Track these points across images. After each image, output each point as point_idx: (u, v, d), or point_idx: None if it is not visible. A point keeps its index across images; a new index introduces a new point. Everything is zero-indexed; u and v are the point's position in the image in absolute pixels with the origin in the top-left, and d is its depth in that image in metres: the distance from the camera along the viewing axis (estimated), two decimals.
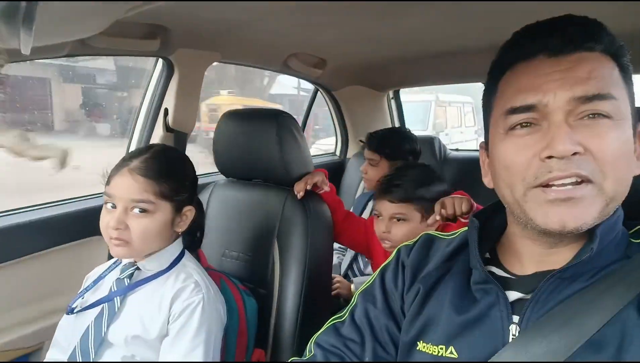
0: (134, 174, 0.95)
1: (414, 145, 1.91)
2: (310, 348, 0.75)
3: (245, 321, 1.13)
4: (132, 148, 1.65)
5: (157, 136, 1.63)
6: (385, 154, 1.83)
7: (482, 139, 0.70)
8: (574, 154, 0.52)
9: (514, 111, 0.57)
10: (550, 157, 0.53)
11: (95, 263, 1.15)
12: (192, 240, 1.12)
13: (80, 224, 1.39)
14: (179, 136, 1.63)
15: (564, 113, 0.53)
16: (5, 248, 1.23)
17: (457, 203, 1.21)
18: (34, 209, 1.37)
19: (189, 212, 1.03)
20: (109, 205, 0.96)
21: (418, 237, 0.77)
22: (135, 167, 0.96)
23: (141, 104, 1.65)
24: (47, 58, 1.23)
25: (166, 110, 1.60)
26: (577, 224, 0.53)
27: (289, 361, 0.75)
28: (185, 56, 1.53)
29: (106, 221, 0.95)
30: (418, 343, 0.65)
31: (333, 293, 1.55)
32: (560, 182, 0.53)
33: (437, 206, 1.24)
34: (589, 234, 0.56)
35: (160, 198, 0.96)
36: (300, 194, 1.26)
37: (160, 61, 1.57)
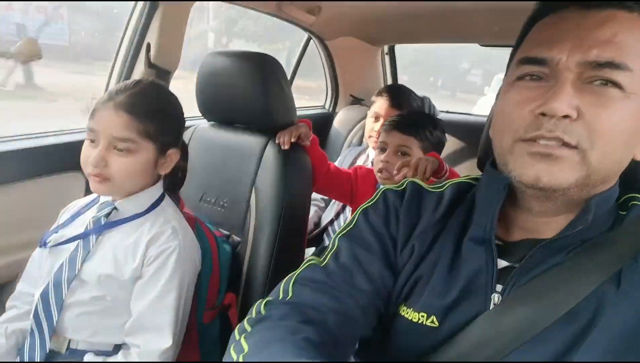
0: (119, 110, 0.90)
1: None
2: (287, 289, 0.63)
3: (218, 265, 1.13)
4: (112, 83, 1.58)
5: (139, 72, 1.56)
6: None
7: None
8: (566, 117, 0.50)
9: (527, 61, 0.55)
10: (543, 114, 0.51)
11: (72, 198, 1.12)
12: (173, 183, 1.10)
13: (59, 158, 1.35)
14: (161, 73, 1.56)
15: (573, 74, 0.51)
16: None
17: (421, 165, 1.22)
18: (14, 140, 1.31)
19: (174, 154, 1.00)
20: (90, 140, 0.92)
21: (404, 184, 0.71)
22: (121, 102, 0.91)
23: (122, 37, 1.57)
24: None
25: (148, 45, 1.53)
26: (550, 182, 0.52)
27: (265, 300, 0.63)
28: None
29: (86, 156, 0.92)
30: (401, 307, 0.63)
31: None
32: (544, 142, 0.52)
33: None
34: (583, 205, 0.55)
35: (145, 138, 0.93)
36: (285, 146, 1.24)
37: None
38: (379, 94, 1.84)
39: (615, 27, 0.50)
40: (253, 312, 0.61)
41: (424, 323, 0.60)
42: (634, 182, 0.61)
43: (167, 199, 1.04)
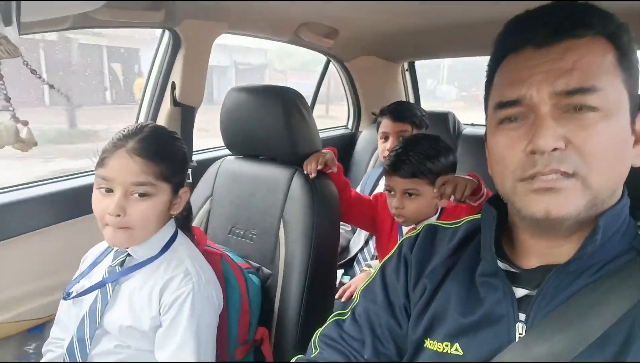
0: (133, 156, 0.90)
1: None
2: (315, 345, 0.76)
3: (247, 299, 1.13)
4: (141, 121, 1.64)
5: (165, 110, 1.62)
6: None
7: None
8: (555, 149, 0.51)
9: (502, 106, 0.57)
10: (533, 152, 0.53)
11: (99, 239, 1.15)
12: (185, 219, 1.09)
13: (79, 201, 1.39)
14: (187, 110, 1.61)
15: (548, 106, 0.53)
16: (9, 224, 1.24)
17: (461, 184, 1.17)
18: (37, 185, 1.37)
19: (184, 194, 1.00)
20: (104, 189, 0.91)
21: (420, 228, 0.76)
22: (133, 148, 0.91)
23: (148, 77, 1.63)
24: (49, 32, 1.21)
25: (173, 84, 1.58)
26: (560, 213, 0.52)
27: (295, 359, 0.76)
28: (191, 27, 1.49)
29: (102, 207, 0.90)
30: (425, 340, 0.65)
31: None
32: (543, 177, 0.53)
33: (438, 181, 1.22)
34: (593, 224, 0.55)
35: (161, 180, 0.93)
36: (312, 175, 1.24)
37: (167, 32, 1.54)
38: (381, 114, 1.84)
39: (574, 55, 0.53)
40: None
41: (448, 352, 0.61)
42: None
43: (180, 237, 1.03)
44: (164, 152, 0.94)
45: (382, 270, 0.75)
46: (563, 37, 0.54)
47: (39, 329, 1.34)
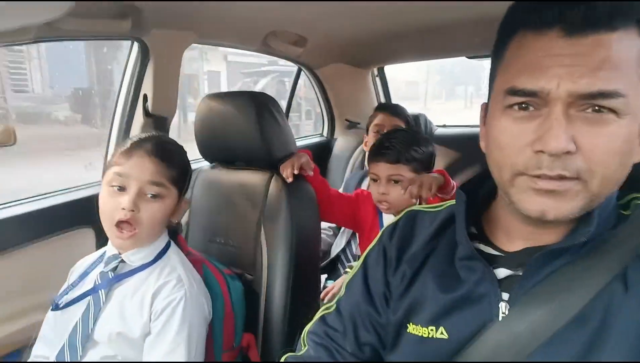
0: (151, 156, 0.94)
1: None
2: (304, 341, 0.76)
3: (230, 306, 1.11)
4: (113, 135, 1.60)
5: (138, 121, 1.59)
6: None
7: None
8: (566, 153, 0.49)
9: (515, 92, 0.52)
10: (541, 151, 0.50)
11: (83, 254, 1.12)
12: (174, 230, 1.10)
13: (67, 216, 1.35)
14: (159, 121, 1.59)
15: (564, 104, 0.49)
16: None
17: (426, 183, 1.21)
18: (19, 204, 1.33)
19: (185, 203, 1.03)
20: (116, 188, 0.93)
21: (401, 215, 0.75)
22: (151, 149, 0.95)
23: (119, 90, 1.60)
24: (14, 44, 1.18)
25: (145, 96, 1.56)
26: (556, 216, 0.52)
27: (284, 357, 0.76)
28: (159, 37, 1.47)
29: (114, 204, 0.92)
30: (408, 325, 0.65)
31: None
32: (547, 180, 0.51)
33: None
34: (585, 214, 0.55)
35: (172, 183, 0.97)
36: (289, 179, 1.24)
37: (136, 44, 1.52)
38: (377, 109, 1.94)
39: (603, 53, 0.48)
40: None
41: (434, 336, 0.61)
42: (634, 182, 0.59)
43: (173, 246, 1.04)
44: (175, 157, 1.00)
45: (365, 260, 0.75)
46: (598, 28, 0.48)
47: (15, 356, 1.28)
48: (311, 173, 1.33)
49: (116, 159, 0.95)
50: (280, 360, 0.75)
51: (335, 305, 0.76)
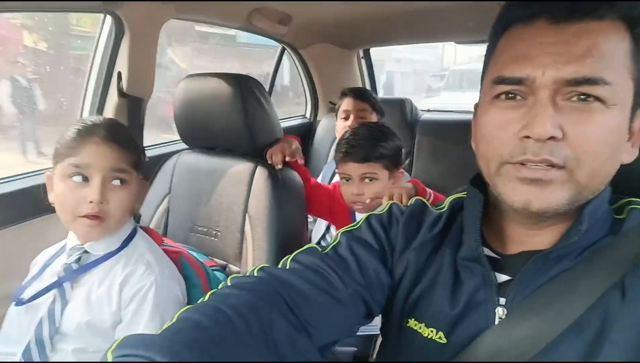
0: (109, 142, 0.88)
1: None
2: (286, 263, 0.65)
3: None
4: (85, 115, 1.51)
5: (112, 102, 1.50)
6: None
7: None
8: (551, 138, 0.49)
9: (502, 81, 0.53)
10: (527, 137, 0.50)
11: (52, 242, 1.05)
12: (136, 217, 1.05)
13: (25, 204, 1.26)
14: (134, 102, 1.50)
15: (550, 91, 0.50)
16: None
17: (396, 195, 1.12)
18: None
19: (147, 186, 0.99)
20: (78, 178, 0.87)
21: (413, 200, 0.73)
22: (106, 136, 0.89)
23: (90, 68, 1.50)
24: None
25: (119, 74, 1.46)
26: (541, 206, 0.51)
27: (262, 266, 0.64)
28: (134, 11, 1.37)
29: (78, 197, 0.87)
30: (409, 320, 0.63)
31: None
32: (532, 166, 0.51)
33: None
34: (576, 214, 0.54)
35: (134, 168, 0.92)
36: (279, 166, 1.19)
37: (109, 18, 1.42)
38: (342, 95, 1.85)
39: (589, 40, 0.49)
40: (247, 272, 0.63)
41: (433, 338, 0.60)
42: (626, 184, 0.59)
43: (140, 232, 0.99)
44: (130, 140, 0.94)
45: (368, 221, 0.70)
46: (583, 16, 0.49)
47: None
48: (302, 161, 1.28)
49: (66, 149, 0.88)
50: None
51: (330, 249, 0.67)
